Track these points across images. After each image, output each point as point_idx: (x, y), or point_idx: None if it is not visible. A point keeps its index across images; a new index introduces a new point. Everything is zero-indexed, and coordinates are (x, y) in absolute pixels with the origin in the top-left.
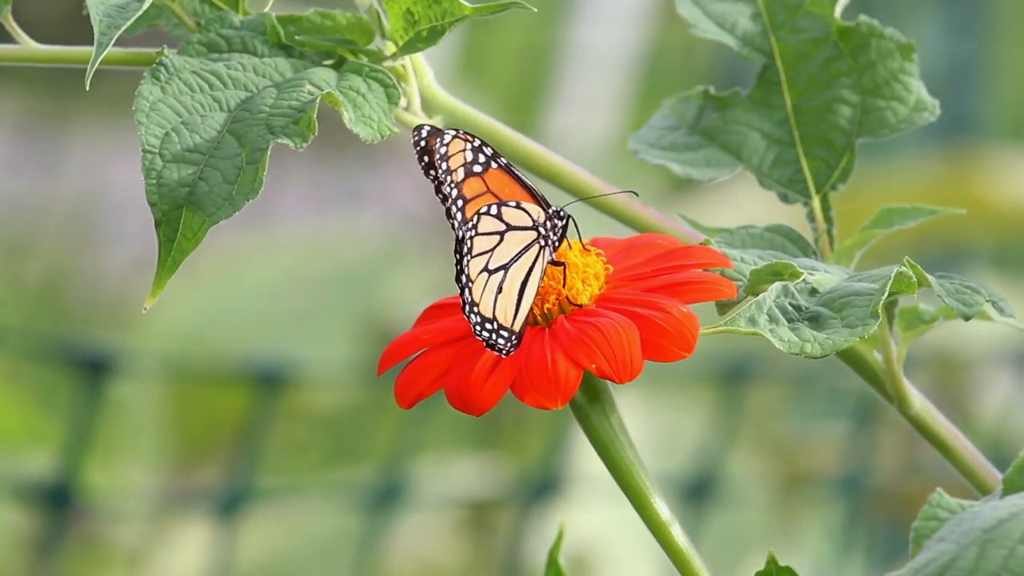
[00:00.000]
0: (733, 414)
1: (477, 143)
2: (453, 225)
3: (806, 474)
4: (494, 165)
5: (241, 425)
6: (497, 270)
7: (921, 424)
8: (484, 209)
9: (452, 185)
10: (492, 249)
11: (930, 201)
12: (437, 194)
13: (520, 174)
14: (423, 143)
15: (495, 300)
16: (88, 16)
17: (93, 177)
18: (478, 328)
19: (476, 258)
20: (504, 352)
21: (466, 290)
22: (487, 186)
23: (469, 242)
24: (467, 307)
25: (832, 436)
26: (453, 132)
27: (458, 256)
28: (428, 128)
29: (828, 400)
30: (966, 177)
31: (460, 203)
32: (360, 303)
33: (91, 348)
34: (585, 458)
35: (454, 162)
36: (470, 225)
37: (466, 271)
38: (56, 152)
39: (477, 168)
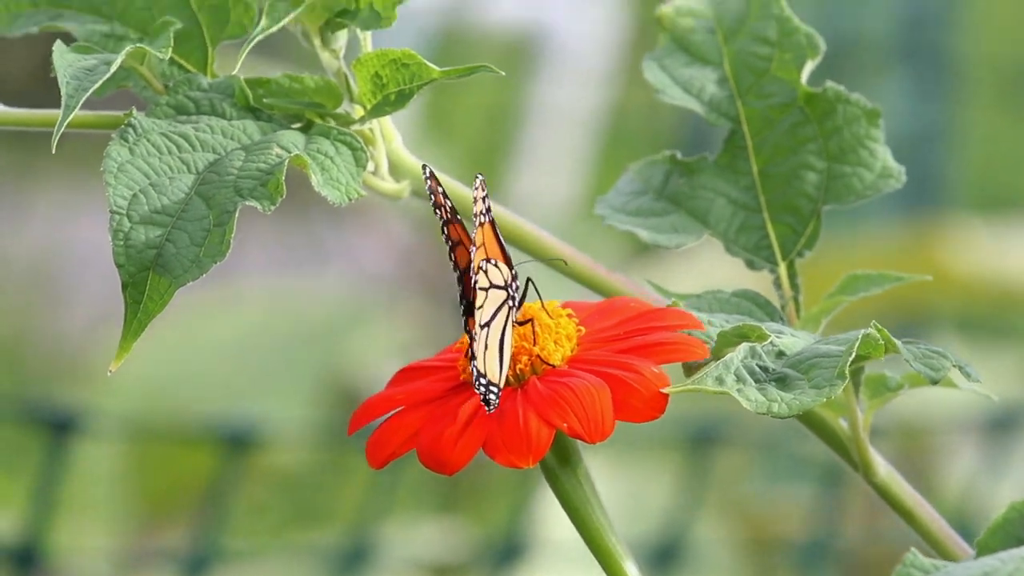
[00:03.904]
0: (699, 479)
1: (485, 194)
2: (453, 257)
3: (771, 539)
4: (486, 220)
5: (205, 485)
6: (484, 326)
7: (886, 492)
8: (482, 265)
9: (478, 224)
10: (483, 304)
11: (894, 269)
12: (442, 232)
13: (499, 233)
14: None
15: (484, 356)
16: (54, 75)
17: (55, 234)
18: (476, 383)
19: (477, 311)
20: (491, 407)
21: (474, 342)
22: (482, 238)
23: (473, 295)
24: (472, 359)
25: (797, 501)
26: (480, 177)
27: (464, 303)
28: (430, 171)
29: (792, 465)
30: (930, 245)
31: (470, 267)
32: (323, 362)
33: (54, 407)
34: (548, 523)
35: (478, 206)
36: (476, 278)
37: (475, 324)
38: (18, 209)
39: (482, 219)
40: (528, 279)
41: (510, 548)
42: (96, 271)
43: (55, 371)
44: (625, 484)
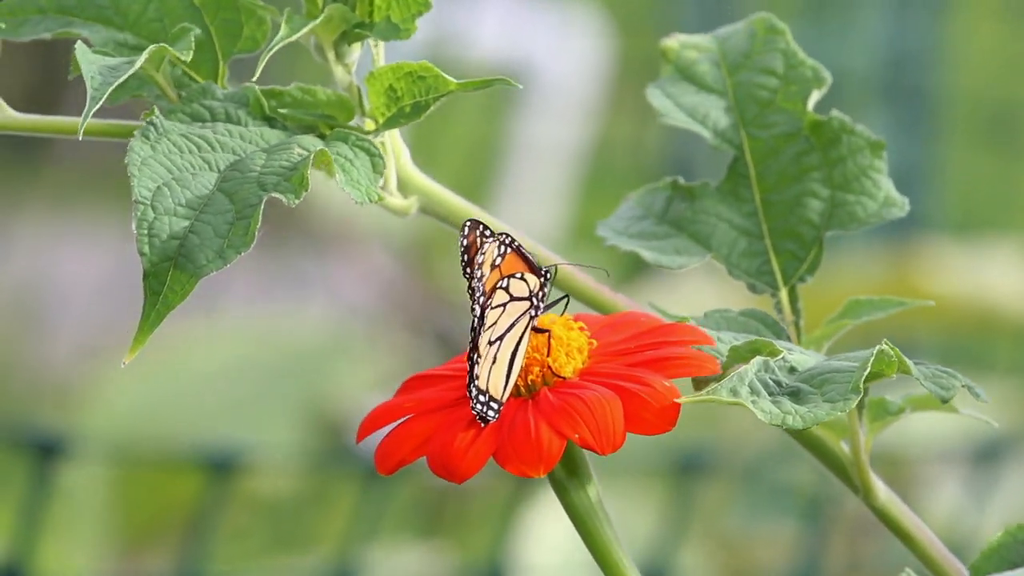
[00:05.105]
0: (683, 508)
1: (504, 238)
2: (473, 311)
3: (754, 568)
4: (509, 251)
5: (189, 510)
6: (495, 340)
7: (886, 516)
8: (500, 283)
9: (480, 285)
10: (496, 321)
11: (875, 295)
12: (468, 289)
13: (525, 251)
14: (465, 241)
15: (489, 371)
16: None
17: (38, 265)
18: (474, 402)
19: (486, 331)
20: (486, 422)
21: (475, 365)
22: (501, 272)
23: (484, 316)
24: (471, 381)
25: (780, 531)
26: (492, 238)
27: (472, 334)
28: (469, 223)
29: (775, 495)
30: (912, 274)
31: (482, 299)
32: (305, 392)
33: (39, 432)
34: (531, 549)
35: (485, 265)
36: (487, 300)
37: (479, 346)
38: (2, 239)
39: (498, 260)
40: (567, 296)
41: (493, 574)
42: (78, 302)
43: (39, 398)
44: (609, 512)
